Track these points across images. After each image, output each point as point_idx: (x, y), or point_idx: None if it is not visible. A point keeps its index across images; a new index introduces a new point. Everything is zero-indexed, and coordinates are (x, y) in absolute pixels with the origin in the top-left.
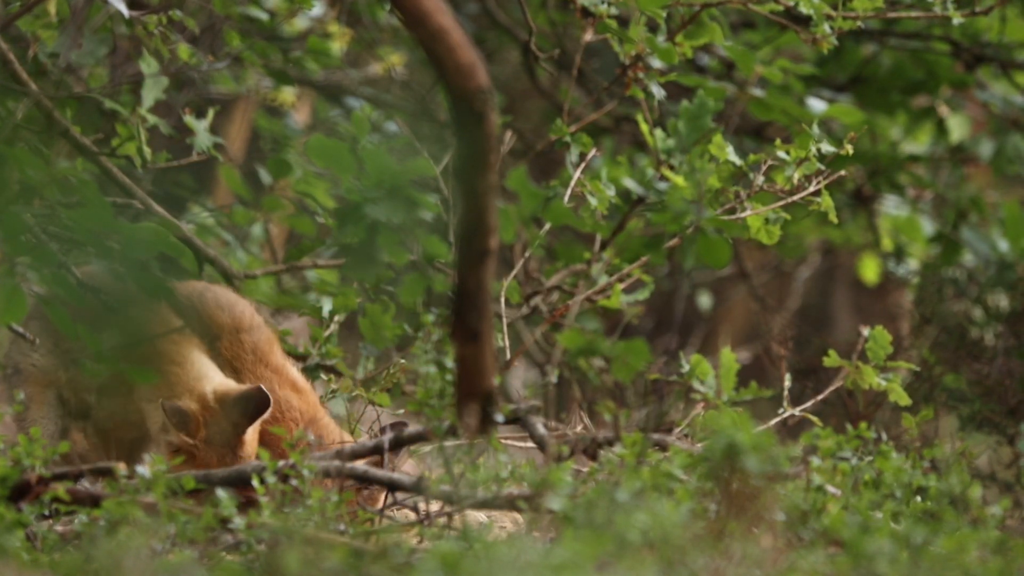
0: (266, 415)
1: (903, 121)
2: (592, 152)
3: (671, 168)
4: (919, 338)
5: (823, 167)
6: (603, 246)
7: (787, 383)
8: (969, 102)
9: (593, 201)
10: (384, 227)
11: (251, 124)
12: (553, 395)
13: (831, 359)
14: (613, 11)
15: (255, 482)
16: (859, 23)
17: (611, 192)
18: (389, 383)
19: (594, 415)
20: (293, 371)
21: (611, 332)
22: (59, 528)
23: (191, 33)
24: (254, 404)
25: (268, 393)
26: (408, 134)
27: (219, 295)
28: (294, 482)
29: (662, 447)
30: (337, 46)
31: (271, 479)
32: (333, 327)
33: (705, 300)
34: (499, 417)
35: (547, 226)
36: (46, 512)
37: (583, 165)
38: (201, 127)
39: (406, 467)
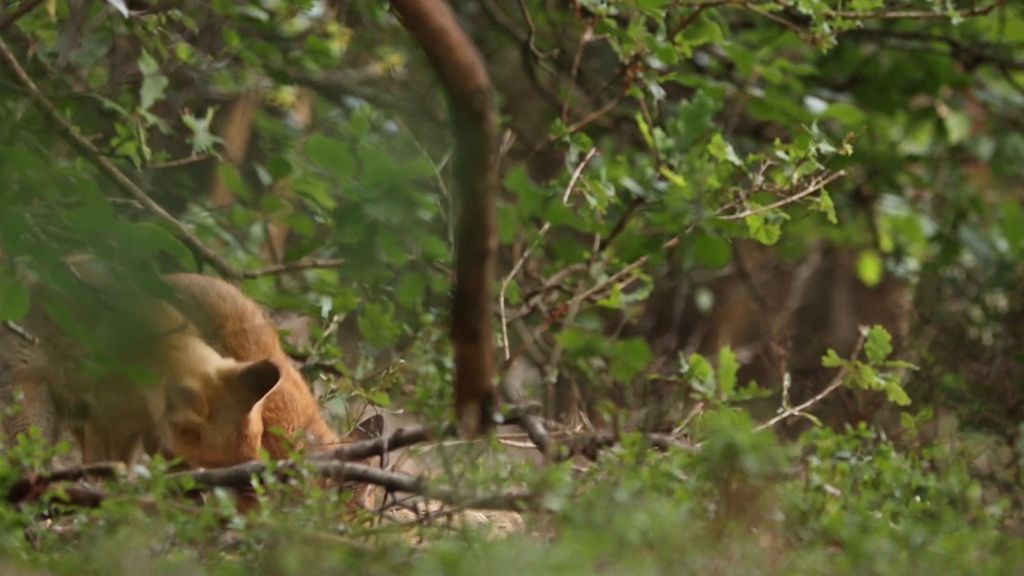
0: (276, 387)
1: (902, 121)
2: (591, 152)
3: (670, 168)
4: (918, 338)
5: (822, 167)
6: (602, 246)
7: (786, 383)
8: (968, 102)
9: (592, 201)
10: (383, 227)
11: (250, 124)
12: (552, 395)
13: (830, 359)
14: (612, 11)
15: (254, 482)
16: (858, 23)
17: (610, 192)
18: (388, 383)
19: (593, 415)
20: (293, 369)
21: (610, 332)
22: (58, 528)
23: (190, 33)
24: (263, 378)
25: (277, 367)
26: (407, 134)
27: (220, 287)
28: (293, 482)
29: (661, 447)
30: (337, 46)
31: (270, 479)
32: (332, 327)
33: (704, 300)
34: (498, 417)
35: (546, 226)
36: (45, 512)
37: (582, 165)
38: (200, 127)
39: (406, 467)
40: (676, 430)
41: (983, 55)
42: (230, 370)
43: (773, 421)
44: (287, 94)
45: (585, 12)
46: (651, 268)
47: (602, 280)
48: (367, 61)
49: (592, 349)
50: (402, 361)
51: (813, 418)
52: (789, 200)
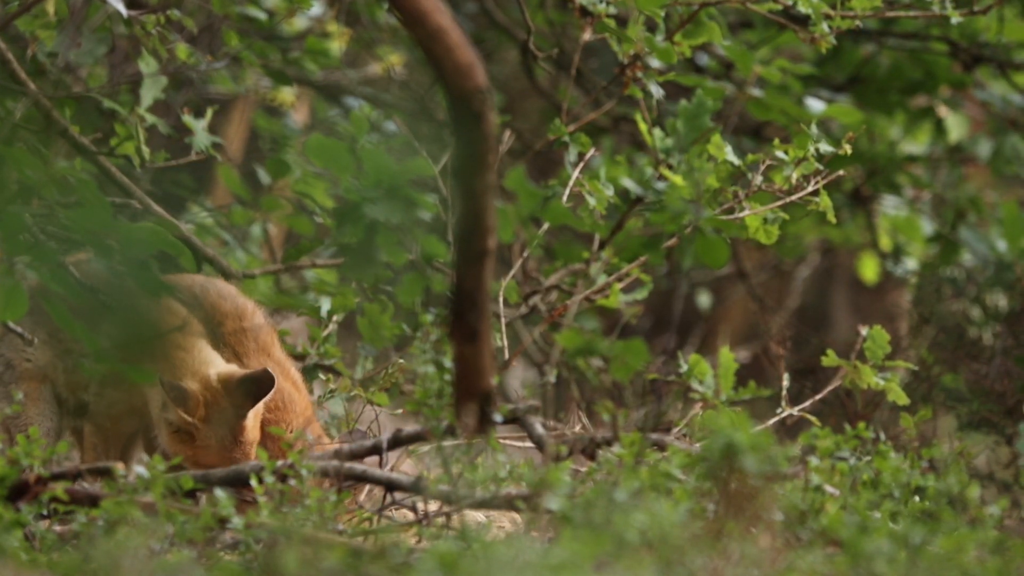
0: (268, 398)
1: (901, 121)
2: (591, 152)
3: (669, 168)
4: (917, 338)
5: (821, 167)
6: (602, 246)
7: (785, 383)
8: (968, 102)
9: (592, 201)
10: (383, 227)
11: (250, 124)
12: (551, 395)
13: (829, 359)
14: (611, 10)
15: (253, 482)
16: (857, 23)
17: (609, 192)
18: (387, 383)
19: (592, 415)
20: (292, 368)
21: (609, 332)
22: (57, 528)
23: (189, 33)
24: (259, 386)
25: (274, 376)
26: (407, 134)
27: (220, 286)
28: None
29: (660, 447)
30: (336, 46)
31: (269, 479)
32: (331, 327)
33: (704, 300)
34: (497, 417)
35: (545, 226)
36: (44, 512)
37: (581, 165)
38: (200, 127)
39: (405, 467)
40: (675, 430)
41: (982, 55)
42: (229, 375)
43: (772, 421)
44: (286, 94)
45: (584, 12)
46: (650, 268)
47: (601, 280)
48: (366, 61)
49: (591, 349)
50: (401, 361)
51: (812, 418)
52: (788, 200)
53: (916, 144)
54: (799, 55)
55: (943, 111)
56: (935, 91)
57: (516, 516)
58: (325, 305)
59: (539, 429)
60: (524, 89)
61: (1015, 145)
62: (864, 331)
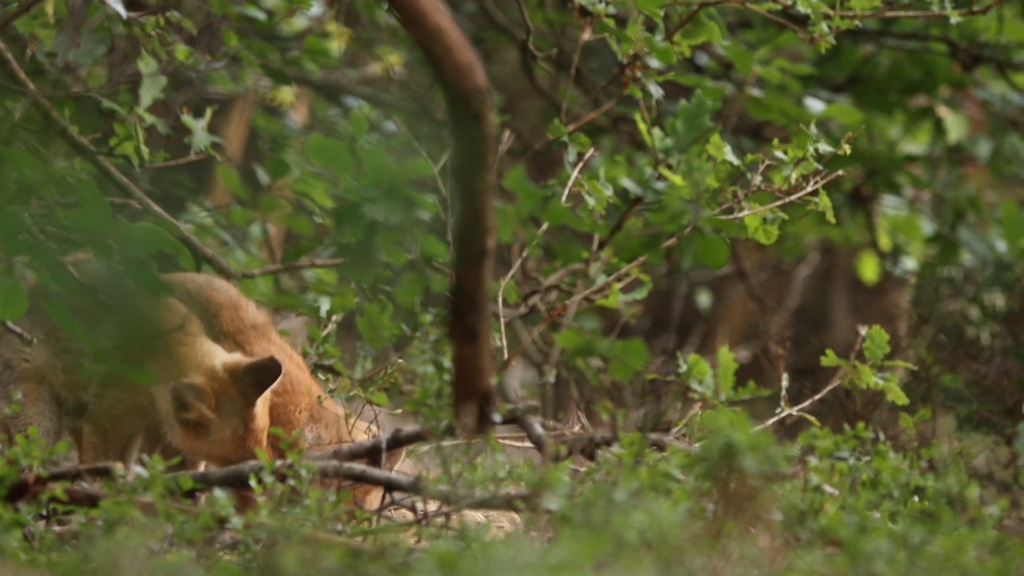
0: (275, 385)
1: (901, 121)
2: (590, 152)
3: (669, 167)
4: (916, 338)
5: (821, 167)
6: (601, 245)
7: (785, 383)
8: (967, 102)
9: (591, 201)
10: (382, 227)
11: (249, 124)
12: (551, 395)
13: (829, 359)
14: (611, 10)
15: (252, 482)
16: (857, 23)
17: (609, 192)
18: (387, 383)
19: (592, 415)
20: (291, 349)
21: (609, 332)
22: (57, 528)
23: (188, 33)
24: (266, 373)
25: (279, 362)
26: (406, 134)
27: (214, 280)
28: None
29: (660, 447)
30: (335, 46)
31: (268, 479)
32: (331, 327)
33: (703, 300)
34: (497, 417)
35: (545, 226)
36: (44, 512)
37: (581, 165)
38: (199, 127)
39: (404, 467)
40: (674, 430)
41: (981, 55)
42: (235, 364)
43: (771, 421)
44: (286, 94)
45: (583, 12)
46: (649, 268)
47: (601, 280)
48: (366, 61)
49: (590, 349)
50: (400, 361)
51: (811, 418)
52: (788, 200)
53: (915, 144)
54: (798, 55)
55: (943, 111)
56: (935, 91)
57: (515, 516)
58: (324, 305)
59: (538, 429)
60: (523, 89)
61: (1014, 145)
62: (863, 331)
